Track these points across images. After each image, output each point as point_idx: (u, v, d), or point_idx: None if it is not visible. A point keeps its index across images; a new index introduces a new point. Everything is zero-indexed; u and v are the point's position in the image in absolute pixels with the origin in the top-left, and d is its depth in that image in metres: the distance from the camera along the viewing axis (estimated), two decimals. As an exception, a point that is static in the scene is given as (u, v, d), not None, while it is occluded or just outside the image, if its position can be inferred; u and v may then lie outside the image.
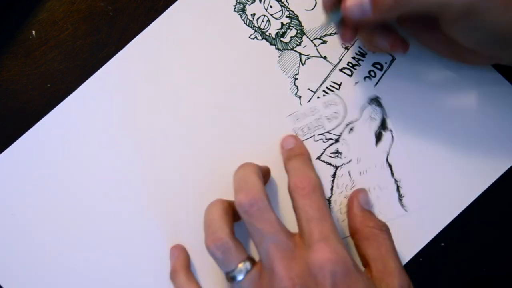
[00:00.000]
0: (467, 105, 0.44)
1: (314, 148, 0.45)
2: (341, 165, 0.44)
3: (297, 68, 0.46)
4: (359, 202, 0.42)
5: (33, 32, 0.47)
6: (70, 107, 0.46)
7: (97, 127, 0.46)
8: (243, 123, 0.45)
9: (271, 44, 0.46)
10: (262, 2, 0.46)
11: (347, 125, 0.45)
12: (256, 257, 0.39)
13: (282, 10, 0.46)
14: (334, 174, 0.44)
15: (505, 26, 0.35)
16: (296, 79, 0.46)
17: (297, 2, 0.46)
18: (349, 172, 0.44)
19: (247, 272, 0.38)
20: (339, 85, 0.45)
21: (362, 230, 0.40)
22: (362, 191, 0.43)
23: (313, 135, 0.45)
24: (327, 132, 0.45)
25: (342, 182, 0.44)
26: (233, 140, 0.45)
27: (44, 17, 0.47)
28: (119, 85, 0.46)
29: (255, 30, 0.46)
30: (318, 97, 0.45)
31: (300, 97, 0.45)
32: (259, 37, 0.46)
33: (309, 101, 0.45)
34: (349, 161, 0.44)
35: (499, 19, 0.35)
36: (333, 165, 0.44)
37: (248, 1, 0.46)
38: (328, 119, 0.45)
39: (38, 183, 0.45)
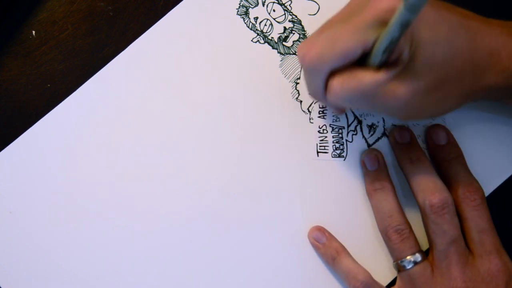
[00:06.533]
0: (465, 111, 0.45)
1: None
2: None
3: (299, 73, 0.46)
4: None
5: (33, 32, 0.47)
6: (70, 107, 0.46)
7: (96, 128, 0.46)
8: (243, 126, 0.45)
9: (273, 48, 0.46)
10: (265, 5, 0.46)
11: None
12: None
13: (285, 14, 0.46)
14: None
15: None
16: (297, 83, 0.46)
17: (301, 7, 0.46)
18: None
19: (415, 263, 0.41)
20: (341, 90, 0.45)
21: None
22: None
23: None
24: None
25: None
26: (234, 142, 0.45)
27: (44, 17, 0.47)
28: (119, 86, 0.46)
29: (258, 34, 0.46)
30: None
31: (301, 101, 0.46)
32: (262, 41, 0.46)
33: (309, 106, 0.45)
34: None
35: None
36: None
37: (251, 5, 0.46)
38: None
39: (36, 182, 0.45)
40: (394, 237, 0.42)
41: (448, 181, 0.42)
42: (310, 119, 0.46)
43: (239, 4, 0.46)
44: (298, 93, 0.46)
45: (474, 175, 0.42)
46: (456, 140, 0.44)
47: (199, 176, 0.45)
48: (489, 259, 0.40)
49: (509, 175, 0.45)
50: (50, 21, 0.47)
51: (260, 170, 0.45)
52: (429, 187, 0.41)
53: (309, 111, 0.46)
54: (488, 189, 0.44)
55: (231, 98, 0.46)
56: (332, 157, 0.45)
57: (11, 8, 0.47)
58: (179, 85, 0.46)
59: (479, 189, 0.41)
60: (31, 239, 0.45)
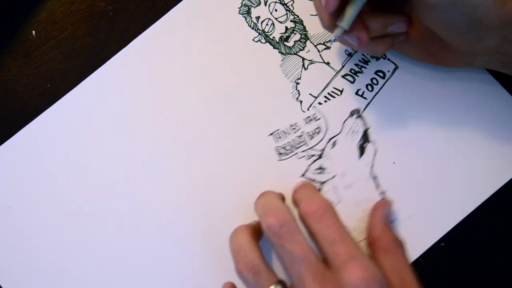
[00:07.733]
0: (467, 115, 0.45)
1: (298, 165, 0.44)
2: (326, 181, 0.44)
3: (300, 73, 0.46)
4: (382, 213, 0.42)
5: (33, 32, 0.46)
6: (68, 103, 0.46)
7: (94, 124, 0.46)
8: (243, 125, 0.46)
9: (274, 47, 0.46)
10: (267, 5, 0.46)
11: (329, 139, 0.45)
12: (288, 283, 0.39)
13: (287, 14, 0.46)
14: (319, 190, 0.44)
15: (487, 9, 0.35)
16: (298, 83, 0.46)
17: (302, 7, 0.46)
18: (334, 187, 0.44)
19: None
20: (341, 91, 0.45)
21: (382, 242, 0.41)
22: (387, 204, 0.43)
23: (296, 153, 0.45)
24: (309, 148, 0.45)
25: (328, 197, 0.44)
26: (233, 143, 0.45)
27: (44, 17, 0.47)
28: (119, 84, 0.46)
29: (259, 33, 0.46)
30: (319, 103, 0.45)
31: (301, 101, 0.46)
32: (263, 40, 0.46)
33: (309, 106, 0.45)
34: (334, 176, 0.44)
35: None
36: (318, 182, 0.44)
37: (253, 4, 0.46)
38: (310, 135, 0.45)
39: (35, 177, 0.45)
40: (247, 274, 0.39)
41: (298, 206, 0.40)
42: (311, 119, 0.46)
43: (241, 3, 0.46)
44: (299, 93, 0.46)
45: (474, 177, 0.42)
46: (456, 142, 0.44)
47: (198, 176, 0.45)
48: (347, 270, 0.36)
49: (509, 177, 0.45)
50: (50, 21, 0.47)
51: (260, 170, 0.45)
52: (267, 211, 0.39)
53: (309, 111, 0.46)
54: (488, 192, 0.44)
55: (231, 97, 0.46)
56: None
57: (11, 8, 0.46)
58: (178, 83, 0.46)
59: (320, 200, 0.39)
60: (30, 233, 0.45)
